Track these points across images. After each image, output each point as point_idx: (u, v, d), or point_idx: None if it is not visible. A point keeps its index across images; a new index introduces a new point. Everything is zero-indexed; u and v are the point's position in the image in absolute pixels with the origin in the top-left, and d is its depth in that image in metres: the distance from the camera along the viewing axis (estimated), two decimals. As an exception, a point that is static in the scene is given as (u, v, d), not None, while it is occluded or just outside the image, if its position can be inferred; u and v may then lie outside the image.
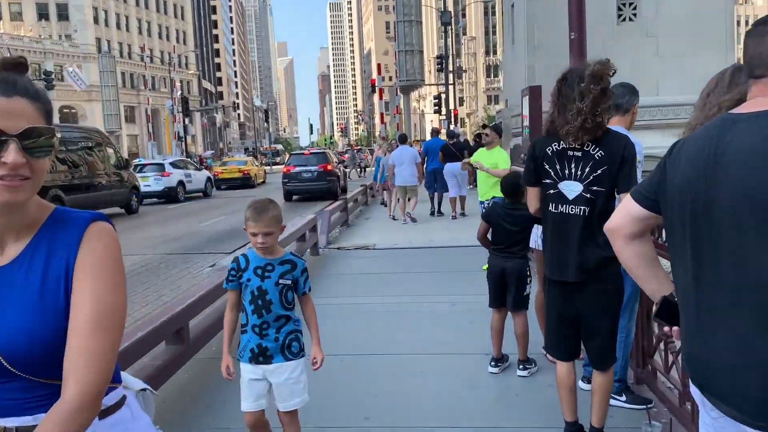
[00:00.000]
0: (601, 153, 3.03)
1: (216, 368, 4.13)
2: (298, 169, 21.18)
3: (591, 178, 3.04)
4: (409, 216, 13.23)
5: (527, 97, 10.47)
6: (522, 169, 8.03)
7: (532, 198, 3.33)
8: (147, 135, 46.90)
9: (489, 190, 8.04)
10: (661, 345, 3.79)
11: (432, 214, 14.12)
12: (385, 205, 15.08)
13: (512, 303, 4.43)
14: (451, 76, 38.39)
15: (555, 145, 3.14)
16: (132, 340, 3.80)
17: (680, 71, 16.51)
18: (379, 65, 26.31)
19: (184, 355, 4.44)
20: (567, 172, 3.12)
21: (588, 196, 3.05)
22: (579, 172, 3.08)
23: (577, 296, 3.11)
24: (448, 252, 9.48)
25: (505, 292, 4.45)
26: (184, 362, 4.52)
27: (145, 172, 24.05)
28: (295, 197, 21.93)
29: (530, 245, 4.58)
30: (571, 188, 3.10)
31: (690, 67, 16.73)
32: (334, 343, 5.28)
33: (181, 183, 24.53)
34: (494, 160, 8.30)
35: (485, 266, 4.93)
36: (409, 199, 13.38)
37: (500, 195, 7.04)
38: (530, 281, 4.45)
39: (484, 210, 7.23)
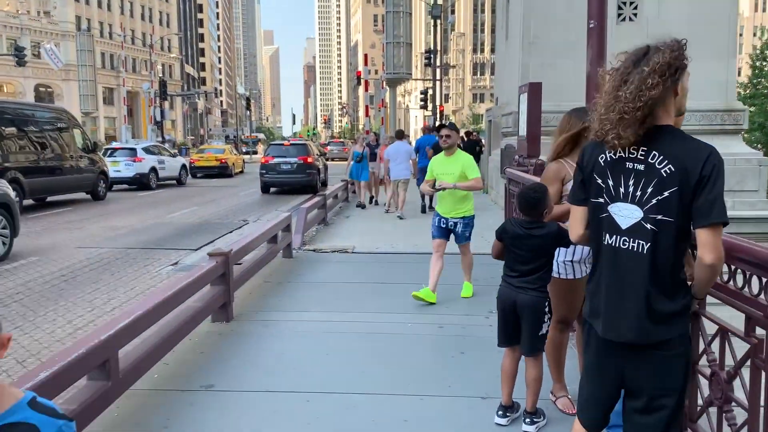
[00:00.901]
0: (669, 168, 2.20)
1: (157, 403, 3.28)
2: (276, 160, 20.23)
3: (654, 201, 2.22)
4: (390, 207, 14.23)
5: (526, 94, 9.67)
6: (525, 176, 7.23)
7: (575, 220, 2.52)
8: (123, 119, 45.52)
9: (456, 205, 6.42)
10: (711, 409, 2.97)
11: (423, 210, 14.11)
12: (363, 207, 15.16)
13: (525, 345, 3.60)
14: (438, 71, 37.58)
15: (610, 152, 2.32)
16: (45, 375, 2.94)
17: (680, 77, 15.85)
18: (366, 56, 25.31)
19: (111, 391, 3.56)
20: (622, 190, 2.30)
21: (649, 227, 2.23)
22: (638, 192, 2.26)
23: (631, 362, 2.29)
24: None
25: (518, 329, 3.62)
26: (112, 399, 3.64)
27: (115, 156, 22.94)
28: (272, 190, 21.01)
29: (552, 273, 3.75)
30: (626, 213, 2.29)
31: (692, 73, 16.08)
32: (302, 376, 4.44)
33: (153, 170, 23.42)
34: (459, 169, 6.32)
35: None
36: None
37: (469, 213, 6.54)
38: (548, 319, 3.62)
39: (439, 225, 6.55)
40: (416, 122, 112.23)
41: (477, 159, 20.11)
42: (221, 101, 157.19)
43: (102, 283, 8.07)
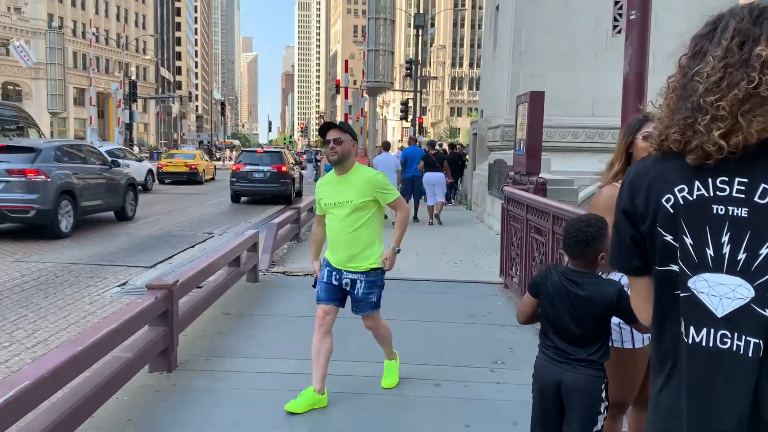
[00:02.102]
0: None
1: None
2: (248, 168, 19.04)
3: None
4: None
5: (525, 104, 8.70)
6: (535, 198, 6.21)
7: (638, 300, 1.55)
8: (89, 119, 43.78)
9: (352, 250, 4.10)
10: None
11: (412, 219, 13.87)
12: None
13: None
14: (419, 83, 36.72)
15: (684, 186, 1.37)
16: None
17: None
18: (346, 62, 24.25)
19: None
20: (712, 253, 1.31)
21: (765, 313, 1.27)
22: (742, 255, 1.27)
23: None
24: (419, 288, 7.57)
25: (559, 421, 2.56)
26: None
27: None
28: (243, 199, 19.81)
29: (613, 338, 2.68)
30: (723, 291, 1.28)
31: (687, 89, 15.35)
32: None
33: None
34: (359, 194, 4.06)
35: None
36: None
37: (373, 264, 4.11)
38: (605, 408, 2.55)
39: (328, 281, 4.23)
40: (394, 133, 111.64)
41: (460, 173, 19.16)
42: (197, 106, 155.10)
43: (31, 308, 6.84)
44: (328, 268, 4.21)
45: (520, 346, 5.39)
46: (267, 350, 5.13)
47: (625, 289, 2.36)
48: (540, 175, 8.39)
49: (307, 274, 8.04)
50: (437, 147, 17.27)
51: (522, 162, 8.64)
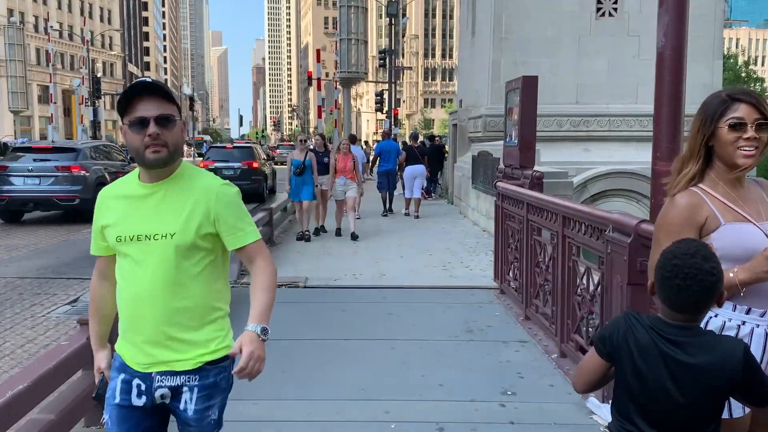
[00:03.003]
0: None
1: None
2: (217, 164, 18.04)
3: None
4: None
5: (517, 91, 7.94)
6: (538, 195, 5.45)
7: None
8: (51, 117, 42.10)
9: (162, 324, 2.10)
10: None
11: (384, 215, 13.90)
12: (307, 240, 10.44)
13: None
14: (393, 73, 35.86)
15: None
16: None
17: (663, 78, 14.50)
18: (318, 51, 23.18)
19: None
20: None
21: None
22: None
23: None
24: (408, 298, 6.79)
25: None
26: None
27: (35, 159, 20.28)
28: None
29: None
30: None
31: (674, 73, 14.78)
32: None
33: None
34: (182, 220, 2.09)
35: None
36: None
37: (218, 354, 2.22)
38: None
39: (123, 396, 2.14)
40: (368, 126, 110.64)
41: (441, 165, 18.42)
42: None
43: (-39, 335, 5.93)
44: (123, 373, 2.14)
45: (529, 370, 4.65)
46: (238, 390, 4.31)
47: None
48: (535, 168, 7.65)
49: (281, 285, 7.22)
50: (417, 139, 16.53)
51: (514, 154, 7.88)
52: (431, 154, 17.51)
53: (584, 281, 4.48)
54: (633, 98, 14.49)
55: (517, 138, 7.76)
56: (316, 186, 10.60)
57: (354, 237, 10.37)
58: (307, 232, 10.59)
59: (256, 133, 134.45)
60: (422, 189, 15.53)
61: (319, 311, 6.19)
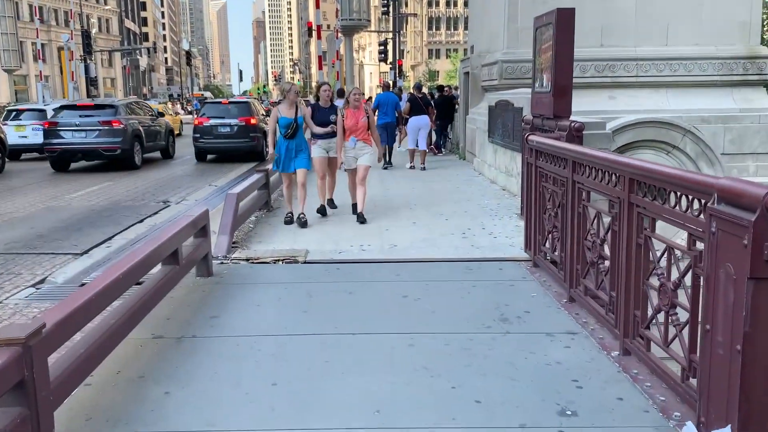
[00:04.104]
0: None
1: None
2: (213, 121, 16.93)
3: None
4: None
5: (550, 26, 6.76)
6: (602, 155, 4.34)
7: None
8: (39, 75, 40.56)
9: None
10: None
11: (384, 167, 13.20)
12: (304, 225, 7.70)
13: None
14: (397, 21, 34.18)
15: None
16: None
17: (696, 15, 13.17)
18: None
19: None
20: None
21: None
22: None
23: None
24: (425, 275, 5.77)
25: None
26: None
27: (21, 120, 19.28)
28: (209, 157, 17.76)
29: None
30: None
31: (709, 10, 13.42)
32: None
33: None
34: None
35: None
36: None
37: None
38: None
39: None
40: (371, 79, 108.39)
41: (451, 118, 17.22)
42: (166, 58, 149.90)
43: None
44: None
45: (587, 376, 3.65)
46: (214, 411, 3.32)
47: None
48: (572, 117, 6.54)
49: (278, 260, 6.21)
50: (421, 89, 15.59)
51: (546, 102, 6.75)
52: (440, 106, 16.29)
53: (663, 264, 3.44)
54: (663, 39, 13.18)
55: (551, 82, 6.63)
56: (322, 155, 8.16)
57: (361, 218, 7.88)
58: (302, 216, 7.74)
59: (258, 89, 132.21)
60: (428, 141, 15.51)
61: (321, 295, 5.17)
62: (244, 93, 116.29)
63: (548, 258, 5.62)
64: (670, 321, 3.38)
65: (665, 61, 13.00)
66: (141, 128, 16.57)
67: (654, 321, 3.63)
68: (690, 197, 3.09)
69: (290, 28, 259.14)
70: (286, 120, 7.68)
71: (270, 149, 7.96)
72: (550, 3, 13.21)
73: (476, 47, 16.54)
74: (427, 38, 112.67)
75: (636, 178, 3.69)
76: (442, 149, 16.98)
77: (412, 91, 15.47)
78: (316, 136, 8.10)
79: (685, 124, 12.04)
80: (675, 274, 3.33)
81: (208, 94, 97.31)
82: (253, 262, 6.15)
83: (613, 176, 4.03)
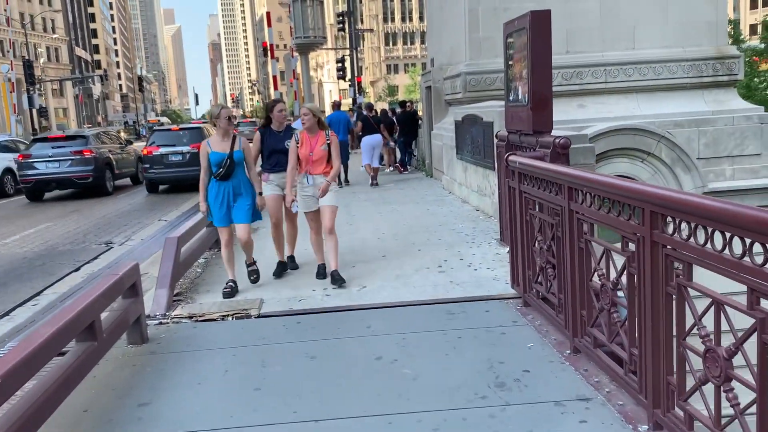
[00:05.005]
0: None
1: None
2: (163, 150, 15.89)
3: None
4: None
5: (521, 33, 6.05)
6: (611, 181, 3.59)
7: None
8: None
9: None
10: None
11: (340, 185, 12.69)
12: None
13: None
14: (353, 38, 33.52)
15: None
16: None
17: (662, 17, 12.74)
18: (268, 14, 20.82)
19: None
20: None
21: None
22: None
23: None
24: (399, 323, 4.93)
25: None
26: None
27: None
28: (162, 187, 16.70)
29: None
30: None
31: (675, 11, 12.99)
32: None
33: (9, 171, 18.50)
34: None
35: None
36: None
37: None
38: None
39: None
40: (331, 96, 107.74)
41: (415, 134, 16.51)
42: (120, 85, 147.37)
43: None
44: None
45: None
46: None
47: None
48: (554, 132, 5.81)
49: (227, 315, 5.30)
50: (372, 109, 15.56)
51: (524, 116, 6.01)
52: (403, 122, 15.60)
53: (704, 323, 2.68)
54: (630, 43, 12.73)
55: (527, 94, 5.89)
56: (259, 194, 6.06)
57: (337, 279, 5.92)
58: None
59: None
60: (392, 159, 16.38)
61: (277, 362, 4.29)
62: (203, 117, 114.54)
63: (542, 296, 4.84)
64: (724, 395, 2.61)
65: (633, 65, 12.53)
66: (111, 156, 17.30)
67: (694, 388, 2.86)
68: (748, 239, 2.33)
69: (247, 50, 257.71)
70: (218, 156, 5.74)
71: (201, 203, 5.91)
72: (513, 10, 12.67)
73: (437, 60, 15.90)
74: (384, 54, 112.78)
75: (660, 211, 2.93)
76: (408, 167, 16.24)
77: (364, 111, 15.26)
78: (267, 169, 6.46)
79: (659, 130, 11.52)
80: (728, 339, 2.57)
81: (165, 119, 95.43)
82: (197, 320, 5.24)
83: (626, 207, 3.28)
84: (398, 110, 16.99)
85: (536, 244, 4.79)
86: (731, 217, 2.37)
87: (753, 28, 66.14)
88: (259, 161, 6.54)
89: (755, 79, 30.00)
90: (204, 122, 21.76)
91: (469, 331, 4.69)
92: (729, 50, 12.97)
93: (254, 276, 6.18)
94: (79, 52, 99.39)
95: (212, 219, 5.97)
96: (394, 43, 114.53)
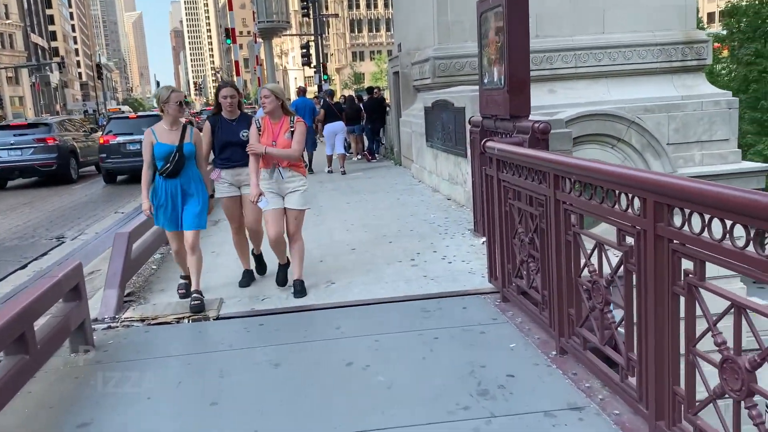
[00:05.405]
0: None
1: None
2: (120, 139, 15.22)
3: None
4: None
5: (495, 12, 5.69)
6: (604, 168, 3.24)
7: None
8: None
9: None
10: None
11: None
12: (196, 309, 4.91)
13: None
14: (318, 23, 32.84)
15: None
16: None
17: (633, 1, 12.53)
18: (230, 0, 20.07)
19: None
20: None
21: None
22: None
23: None
24: (370, 323, 4.57)
25: None
26: None
27: None
28: (120, 178, 16.01)
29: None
30: None
31: (646, -4, 12.80)
32: None
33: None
34: None
35: None
36: None
37: None
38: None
39: None
40: (296, 83, 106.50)
41: (383, 122, 16.11)
42: (80, 73, 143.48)
43: None
44: None
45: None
46: None
47: None
48: (533, 117, 5.48)
49: (182, 318, 4.86)
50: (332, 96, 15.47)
51: (500, 100, 5.68)
52: (371, 109, 15.18)
53: (718, 328, 2.36)
54: (600, 27, 12.49)
55: (504, 76, 5.55)
56: (210, 197, 5.26)
57: (299, 290, 5.19)
58: (197, 296, 4.98)
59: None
60: (360, 147, 16.14)
61: (236, 371, 3.88)
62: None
63: (522, 291, 4.52)
64: (745, 411, 2.30)
65: (603, 49, 12.31)
66: (76, 144, 17.18)
67: (708, 401, 2.55)
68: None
69: (210, 37, 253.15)
70: (164, 148, 4.88)
71: (144, 201, 5.01)
72: (481, -7, 12.39)
73: (404, 45, 15.47)
74: (350, 41, 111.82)
75: (666, 201, 2.60)
76: (376, 155, 15.84)
77: (326, 98, 15.02)
78: (219, 165, 5.46)
79: (629, 115, 11.32)
80: (729, 341, 2.25)
81: (126, 108, 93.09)
82: (149, 323, 4.79)
83: (623, 196, 2.95)
84: (365, 97, 16.53)
85: (516, 236, 4.45)
86: (762, 210, 2.04)
87: (710, 17, 67.21)
88: (211, 156, 5.86)
89: (716, 66, 30.29)
90: (146, 113, 20.82)
91: (447, 330, 4.35)
92: (697, 35, 12.85)
93: (195, 302, 4.92)
94: (35, 38, 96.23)
95: (159, 223, 5.14)
96: (360, 30, 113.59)
